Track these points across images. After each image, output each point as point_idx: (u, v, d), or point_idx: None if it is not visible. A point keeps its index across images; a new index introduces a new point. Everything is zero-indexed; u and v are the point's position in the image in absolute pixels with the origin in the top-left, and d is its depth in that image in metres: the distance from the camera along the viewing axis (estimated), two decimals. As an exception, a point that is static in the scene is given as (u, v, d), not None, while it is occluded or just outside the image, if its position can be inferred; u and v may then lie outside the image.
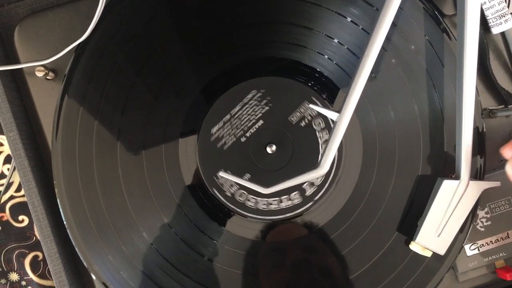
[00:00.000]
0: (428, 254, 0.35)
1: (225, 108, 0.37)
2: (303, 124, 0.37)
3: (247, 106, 0.37)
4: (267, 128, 0.37)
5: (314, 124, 0.37)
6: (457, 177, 0.35)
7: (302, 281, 0.37)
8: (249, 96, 0.37)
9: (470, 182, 0.34)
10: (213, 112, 0.37)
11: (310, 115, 0.37)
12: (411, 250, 0.36)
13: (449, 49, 0.36)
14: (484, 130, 0.37)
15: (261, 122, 0.37)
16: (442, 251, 0.35)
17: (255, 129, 0.37)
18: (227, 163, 0.37)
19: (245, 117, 0.37)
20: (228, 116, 0.37)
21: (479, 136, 0.36)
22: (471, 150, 0.34)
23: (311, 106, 0.35)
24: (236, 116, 0.37)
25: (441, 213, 0.35)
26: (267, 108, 0.37)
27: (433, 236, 0.35)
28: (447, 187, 0.35)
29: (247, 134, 0.37)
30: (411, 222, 0.36)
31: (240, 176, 0.36)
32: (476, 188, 0.34)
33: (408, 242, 0.36)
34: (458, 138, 0.35)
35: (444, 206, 0.35)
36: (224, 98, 0.37)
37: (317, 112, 0.37)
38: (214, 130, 0.37)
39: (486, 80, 0.39)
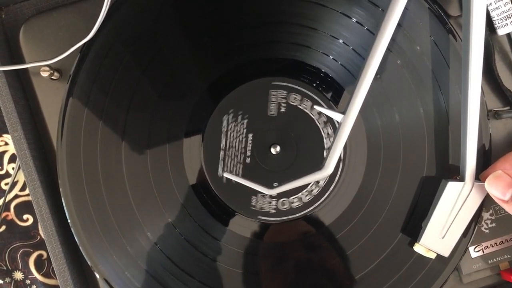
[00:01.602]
0: (432, 256, 0.35)
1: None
2: (283, 110, 0.37)
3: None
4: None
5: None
6: (462, 179, 0.35)
7: (305, 281, 0.37)
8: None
9: (475, 184, 0.34)
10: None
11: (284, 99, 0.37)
12: (415, 252, 0.36)
13: (455, 50, 0.36)
14: (490, 131, 0.37)
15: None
16: (446, 253, 0.35)
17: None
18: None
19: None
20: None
21: (484, 138, 0.36)
22: (476, 152, 0.34)
23: (316, 107, 0.35)
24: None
25: (445, 215, 0.35)
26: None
27: (438, 237, 0.35)
28: (451, 188, 0.34)
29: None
30: (415, 224, 0.36)
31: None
32: (481, 190, 0.34)
33: (412, 244, 0.36)
34: (463, 140, 0.35)
35: (448, 207, 0.35)
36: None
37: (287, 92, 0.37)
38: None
39: (491, 81, 0.39)
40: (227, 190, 0.37)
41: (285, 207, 0.37)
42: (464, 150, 0.34)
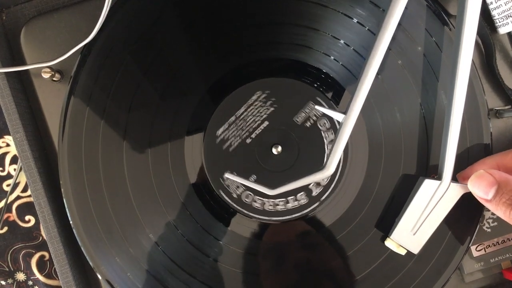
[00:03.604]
0: (403, 252, 0.35)
1: (230, 109, 0.37)
2: (308, 124, 0.37)
3: (252, 107, 0.37)
4: (272, 129, 0.37)
5: (320, 124, 0.37)
6: (439, 178, 0.34)
7: (306, 282, 0.37)
8: (254, 97, 0.37)
9: (451, 184, 0.34)
10: (218, 114, 0.37)
11: (315, 115, 0.37)
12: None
13: (456, 50, 0.36)
14: (491, 130, 0.37)
15: (266, 123, 0.37)
16: (416, 250, 0.35)
17: (260, 130, 0.37)
18: (233, 165, 0.37)
19: (250, 118, 0.37)
20: (233, 118, 0.37)
21: (485, 137, 0.36)
22: (456, 151, 0.34)
23: (317, 107, 0.35)
24: (241, 117, 0.37)
25: (419, 212, 0.34)
26: (272, 109, 0.37)
27: (409, 234, 0.35)
28: (427, 186, 0.34)
29: (253, 136, 0.37)
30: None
31: (246, 177, 0.36)
32: (457, 191, 0.34)
33: (384, 239, 0.36)
34: (444, 138, 0.34)
35: (422, 205, 0.34)
36: (229, 99, 0.37)
37: (322, 112, 0.36)
38: (219, 132, 0.37)
39: (492, 80, 0.39)
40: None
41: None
42: (444, 150, 0.34)
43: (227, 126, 0.37)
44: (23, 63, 0.39)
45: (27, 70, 0.39)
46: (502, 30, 0.37)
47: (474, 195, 0.33)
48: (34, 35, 0.38)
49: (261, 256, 0.37)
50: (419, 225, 0.35)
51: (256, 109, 0.37)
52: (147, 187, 0.36)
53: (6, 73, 0.37)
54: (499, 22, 0.37)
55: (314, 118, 0.37)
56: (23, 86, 0.39)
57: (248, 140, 0.37)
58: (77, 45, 0.35)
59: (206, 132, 0.37)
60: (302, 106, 0.37)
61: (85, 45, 0.35)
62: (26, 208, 0.43)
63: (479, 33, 0.38)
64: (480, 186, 0.32)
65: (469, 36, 0.33)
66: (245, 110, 0.37)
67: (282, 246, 0.37)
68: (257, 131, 0.37)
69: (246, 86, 0.37)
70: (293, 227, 0.37)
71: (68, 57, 0.35)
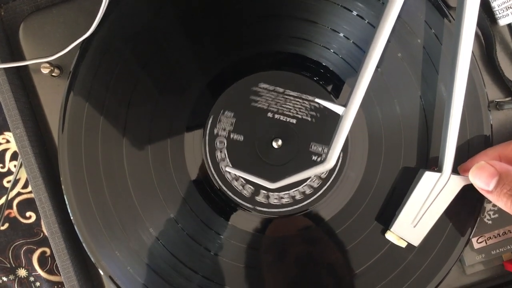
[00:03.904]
0: (403, 244, 0.35)
1: (286, 83, 0.37)
2: (313, 157, 0.37)
3: (299, 100, 0.37)
4: (291, 128, 0.37)
5: (291, 94, 0.37)
6: (440, 170, 0.34)
7: (307, 275, 0.37)
8: (310, 98, 0.37)
9: (452, 176, 0.34)
10: (277, 74, 0.37)
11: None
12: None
13: (456, 42, 0.36)
14: (491, 122, 0.36)
15: (293, 121, 0.37)
16: (416, 242, 0.35)
17: (284, 119, 0.37)
18: (240, 112, 0.37)
19: (289, 105, 0.37)
20: (281, 90, 0.37)
21: (485, 129, 0.36)
22: (456, 143, 0.34)
23: (317, 100, 0.35)
24: (286, 97, 0.37)
25: (419, 204, 0.35)
26: (308, 119, 0.37)
27: (409, 226, 0.35)
28: (428, 178, 0.34)
29: (276, 116, 0.37)
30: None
31: (237, 133, 0.36)
32: (458, 183, 0.34)
33: (385, 232, 0.36)
34: (444, 131, 0.34)
35: (423, 197, 0.34)
36: (297, 78, 0.37)
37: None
38: (262, 85, 0.37)
39: (492, 72, 0.39)
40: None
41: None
42: (444, 142, 0.34)
43: (272, 89, 0.37)
44: (22, 58, 0.38)
45: (26, 66, 0.38)
46: (502, 22, 0.37)
47: (475, 186, 0.33)
48: (33, 30, 0.38)
49: (263, 250, 0.37)
50: (419, 218, 0.35)
51: (300, 105, 0.37)
52: (147, 181, 0.36)
53: (5, 68, 0.37)
54: (499, 13, 0.37)
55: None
56: (22, 81, 0.39)
57: (270, 114, 0.37)
58: (76, 40, 0.35)
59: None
60: (327, 144, 0.37)
61: (84, 40, 0.35)
62: (27, 204, 0.43)
63: (479, 24, 0.37)
64: (481, 177, 0.32)
65: (469, 28, 0.33)
66: (294, 97, 0.37)
67: (283, 240, 0.37)
68: (281, 117, 0.37)
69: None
70: (294, 221, 0.37)
71: (67, 52, 0.36)
